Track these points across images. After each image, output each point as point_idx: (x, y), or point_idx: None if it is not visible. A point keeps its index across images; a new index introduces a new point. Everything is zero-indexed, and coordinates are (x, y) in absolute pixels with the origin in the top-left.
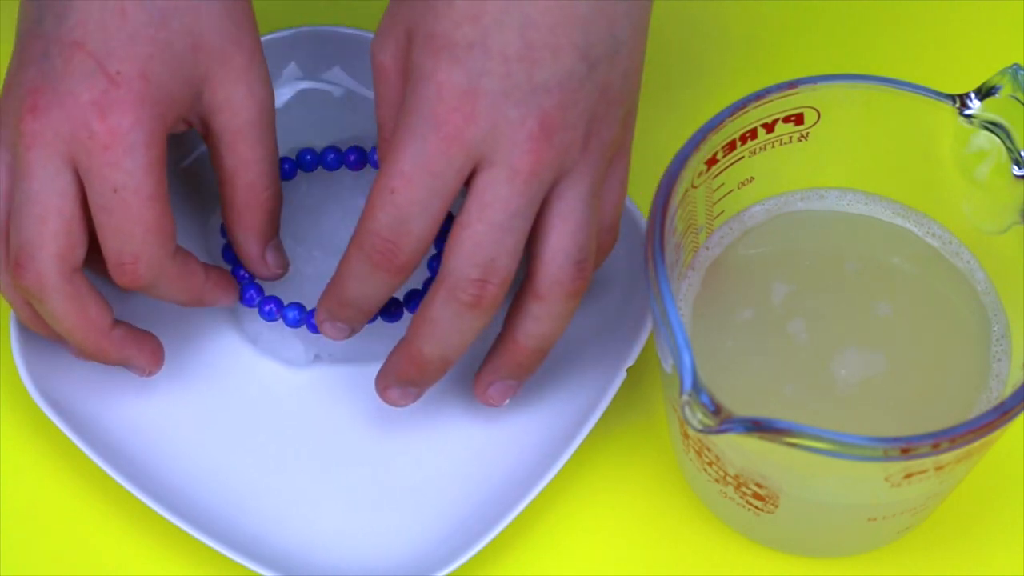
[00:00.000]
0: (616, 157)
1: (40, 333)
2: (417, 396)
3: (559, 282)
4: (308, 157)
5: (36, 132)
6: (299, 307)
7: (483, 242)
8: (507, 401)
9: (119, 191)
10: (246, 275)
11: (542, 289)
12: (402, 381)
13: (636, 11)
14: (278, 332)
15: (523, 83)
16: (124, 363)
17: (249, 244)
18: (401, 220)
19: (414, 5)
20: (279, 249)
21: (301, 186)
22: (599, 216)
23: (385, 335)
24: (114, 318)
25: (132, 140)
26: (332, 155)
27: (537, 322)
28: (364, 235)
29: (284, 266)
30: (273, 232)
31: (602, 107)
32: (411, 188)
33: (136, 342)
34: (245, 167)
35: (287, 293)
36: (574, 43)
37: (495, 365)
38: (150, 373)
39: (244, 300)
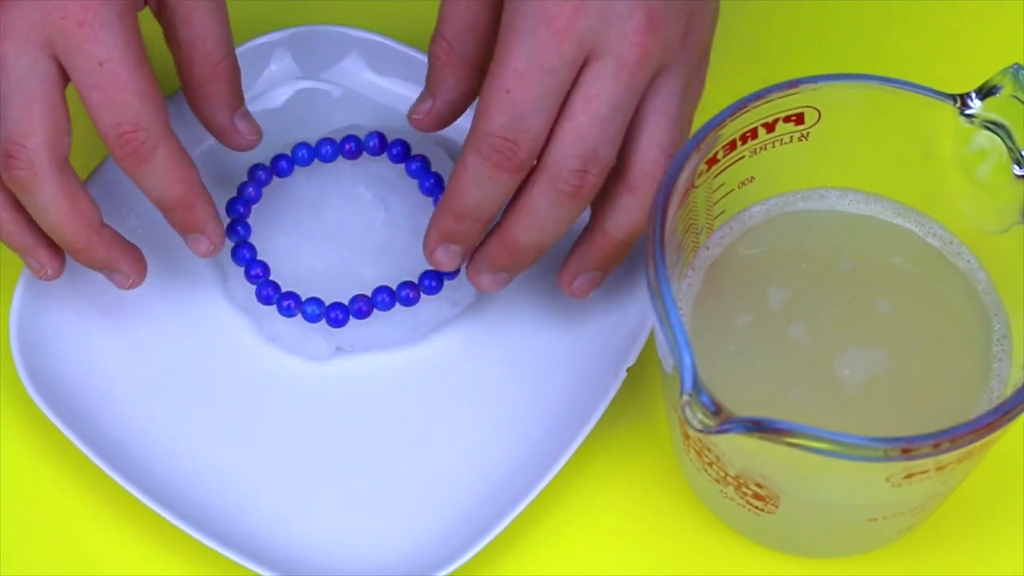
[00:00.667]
0: (701, 59)
1: (13, 242)
2: (507, 282)
3: (652, 175)
4: (303, 152)
5: (8, 24)
6: (318, 302)
7: (587, 134)
8: (592, 293)
9: (104, 64)
10: (260, 274)
11: (635, 181)
12: (495, 268)
13: None
14: (298, 328)
15: None
16: (110, 266)
17: (217, 114)
18: (518, 118)
19: None
20: (248, 116)
21: (300, 181)
22: None
23: (403, 322)
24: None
25: (106, 13)
26: (328, 147)
27: (628, 214)
28: (481, 138)
29: (258, 132)
30: (238, 101)
31: (698, 4)
32: (526, 86)
33: (123, 246)
34: (201, 40)
35: (302, 288)
36: None
37: (582, 257)
38: (132, 284)
39: (261, 298)
